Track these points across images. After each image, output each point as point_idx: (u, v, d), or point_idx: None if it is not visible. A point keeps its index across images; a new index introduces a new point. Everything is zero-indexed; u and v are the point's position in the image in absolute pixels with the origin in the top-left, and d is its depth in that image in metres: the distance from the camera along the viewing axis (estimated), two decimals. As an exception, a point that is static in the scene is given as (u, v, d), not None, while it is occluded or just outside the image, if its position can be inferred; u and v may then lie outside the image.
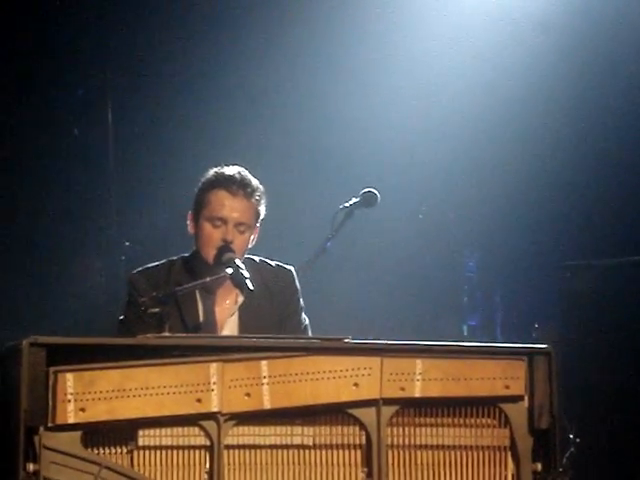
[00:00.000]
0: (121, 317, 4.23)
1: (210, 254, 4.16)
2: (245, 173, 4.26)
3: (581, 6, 6.94)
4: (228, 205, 4.19)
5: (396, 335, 3.73)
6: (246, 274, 4.04)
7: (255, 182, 4.26)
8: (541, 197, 7.11)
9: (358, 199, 5.00)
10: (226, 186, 4.20)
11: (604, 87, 6.94)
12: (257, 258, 4.32)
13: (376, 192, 5.01)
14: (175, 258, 4.31)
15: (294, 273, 4.35)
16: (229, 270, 4.05)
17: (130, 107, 6.87)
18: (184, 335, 3.89)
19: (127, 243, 6.70)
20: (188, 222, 4.27)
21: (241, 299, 4.24)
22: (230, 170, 4.26)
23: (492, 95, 6.98)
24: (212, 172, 4.27)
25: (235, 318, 4.25)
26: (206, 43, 6.96)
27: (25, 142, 6.80)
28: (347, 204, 4.99)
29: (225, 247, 4.14)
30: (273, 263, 4.34)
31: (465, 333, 7.17)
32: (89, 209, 6.85)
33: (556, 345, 3.65)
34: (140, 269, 4.30)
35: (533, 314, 6.94)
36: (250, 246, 4.27)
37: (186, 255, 4.31)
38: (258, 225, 4.28)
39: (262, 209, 4.26)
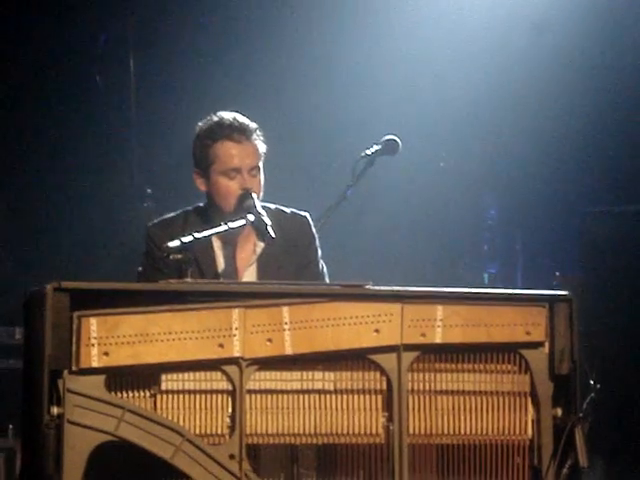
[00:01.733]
0: (139, 268, 4.25)
1: (231, 205, 4.16)
2: (240, 117, 4.25)
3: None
4: (237, 154, 4.19)
5: (417, 282, 3.74)
6: (267, 221, 4.04)
7: (251, 123, 4.25)
8: (562, 144, 7.08)
9: (379, 146, 4.99)
10: (229, 135, 4.19)
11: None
12: (272, 206, 4.30)
13: (397, 139, 4.99)
14: (190, 208, 4.31)
15: (310, 219, 4.35)
16: (251, 217, 4.06)
17: (152, 54, 6.85)
18: (207, 281, 3.91)
19: (149, 190, 6.72)
20: (197, 180, 4.25)
21: (259, 249, 4.24)
22: (226, 118, 4.24)
23: (516, 43, 6.94)
24: (207, 124, 4.25)
25: (254, 268, 4.25)
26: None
27: (47, 90, 6.80)
28: (368, 152, 4.99)
29: (245, 194, 4.14)
30: (288, 210, 4.33)
31: (486, 281, 7.18)
32: (111, 157, 6.86)
33: (577, 292, 3.65)
34: (156, 221, 4.31)
35: (554, 261, 6.93)
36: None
37: (201, 205, 4.31)
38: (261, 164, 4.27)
39: (263, 147, 4.26)
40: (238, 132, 4.20)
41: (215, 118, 4.26)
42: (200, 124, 4.28)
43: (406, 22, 6.98)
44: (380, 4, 6.97)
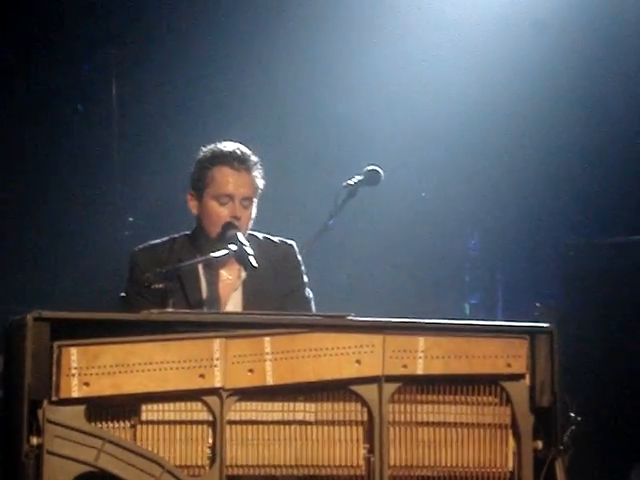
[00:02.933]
0: (122, 294, 4.24)
1: (218, 232, 4.17)
2: (243, 148, 4.29)
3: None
4: (233, 181, 4.21)
5: (398, 313, 3.74)
6: (250, 251, 4.05)
7: (253, 156, 4.29)
8: (544, 175, 7.10)
9: (361, 177, 5.00)
10: (229, 162, 4.22)
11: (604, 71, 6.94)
12: (260, 234, 4.33)
13: (379, 170, 5.00)
14: (177, 235, 4.33)
15: (296, 248, 4.38)
16: (233, 247, 4.07)
17: (135, 82, 6.86)
18: (188, 311, 3.91)
19: (131, 219, 6.71)
20: (190, 202, 4.28)
21: (244, 274, 4.25)
22: (229, 146, 4.28)
23: (494, 80, 6.97)
24: (210, 149, 4.29)
25: (238, 293, 4.27)
26: (211, 17, 6.94)
27: (29, 117, 6.80)
28: (350, 182, 4.99)
29: (229, 224, 4.16)
30: (276, 239, 4.36)
31: (467, 311, 7.18)
32: (93, 185, 6.85)
33: (558, 324, 3.66)
34: (142, 246, 4.31)
35: (535, 293, 6.94)
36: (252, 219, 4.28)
37: (187, 233, 4.32)
38: (256, 199, 4.29)
39: (260, 182, 4.29)
40: (238, 161, 4.23)
41: (219, 145, 4.30)
42: (204, 149, 4.30)
43: (391, 55, 7.01)
44: (365, 33, 6.99)
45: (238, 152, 4.25)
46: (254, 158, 4.28)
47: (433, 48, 6.99)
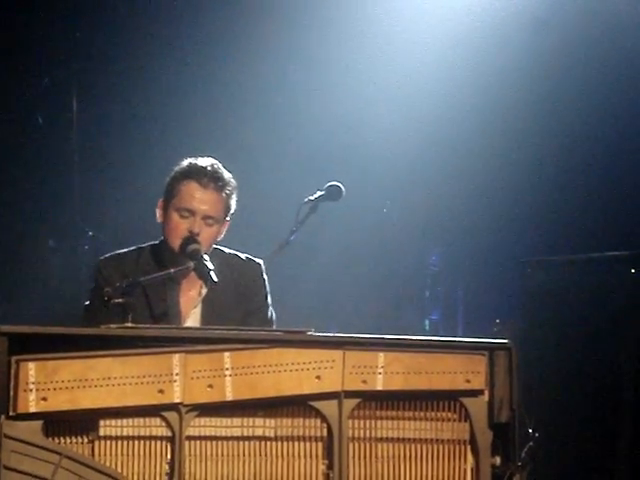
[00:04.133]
0: (87, 302, 4.22)
1: (176, 244, 4.16)
2: (218, 166, 4.26)
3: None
4: (197, 197, 4.19)
5: (359, 328, 3.75)
6: (210, 266, 4.05)
7: (227, 176, 4.25)
8: (502, 194, 7.15)
9: (323, 192, 5.01)
10: (197, 178, 4.20)
11: (571, 87, 6.98)
12: (227, 250, 4.32)
13: (341, 186, 5.02)
14: (144, 246, 4.31)
15: (263, 267, 4.36)
16: (193, 261, 4.06)
17: (95, 95, 6.84)
18: (147, 326, 3.88)
19: (90, 233, 6.68)
20: (157, 210, 4.26)
21: (204, 291, 4.24)
22: (203, 162, 4.25)
23: (458, 91, 7.01)
24: (186, 163, 4.26)
25: (198, 310, 4.25)
26: (175, 31, 6.94)
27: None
28: (312, 197, 5.00)
29: (190, 238, 4.14)
30: (243, 256, 4.34)
31: (427, 327, 7.20)
32: (52, 198, 6.82)
33: (516, 340, 3.67)
34: (109, 255, 4.29)
35: (495, 309, 6.98)
36: (218, 239, 4.27)
37: (155, 243, 4.30)
38: (228, 219, 4.28)
39: (232, 203, 4.27)
40: (208, 178, 4.20)
41: (194, 160, 4.26)
42: (181, 162, 4.27)
43: (360, 65, 7.03)
44: (330, 40, 7.00)
45: (210, 169, 4.21)
46: (228, 178, 4.24)
47: (408, 58, 7.01)
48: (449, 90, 6.99)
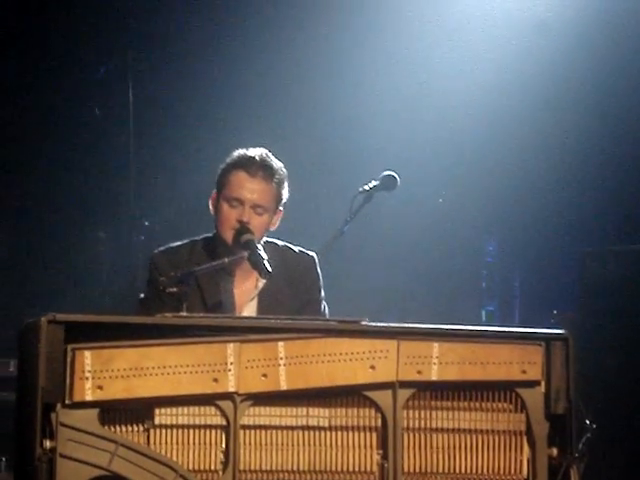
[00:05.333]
0: (141, 295, 4.24)
1: (228, 235, 4.16)
2: (267, 155, 4.25)
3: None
4: (246, 186, 4.18)
5: (414, 318, 3.73)
6: (264, 255, 4.04)
7: (277, 165, 4.24)
8: (561, 182, 7.09)
9: (377, 182, 5.00)
10: (246, 167, 4.19)
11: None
12: (280, 242, 4.31)
13: (396, 175, 5.00)
14: (198, 238, 4.31)
15: (316, 260, 4.34)
16: (247, 251, 4.06)
17: (151, 86, 6.88)
18: (201, 315, 3.90)
19: (146, 223, 6.71)
20: (210, 202, 4.27)
21: (261, 284, 4.23)
22: (253, 152, 4.24)
23: (513, 82, 6.96)
24: (236, 153, 4.26)
25: (254, 303, 4.25)
26: (228, 25, 6.96)
27: (46, 121, 6.82)
28: (366, 187, 4.99)
29: (243, 228, 4.14)
30: (296, 248, 4.33)
31: (483, 318, 7.16)
32: (109, 189, 6.87)
33: (574, 331, 3.63)
34: (162, 248, 4.30)
35: (552, 300, 6.92)
36: (272, 229, 4.26)
37: (209, 235, 4.30)
38: (281, 209, 4.27)
39: (284, 192, 4.25)
40: (256, 167, 4.19)
41: (246, 150, 4.26)
42: (233, 153, 4.29)
43: (410, 58, 7.01)
44: (381, 37, 6.99)
45: (258, 158, 4.21)
46: (277, 167, 4.23)
47: (451, 52, 6.98)
48: (506, 82, 6.95)
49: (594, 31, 6.85)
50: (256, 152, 4.24)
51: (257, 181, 4.19)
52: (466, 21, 6.98)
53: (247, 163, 4.20)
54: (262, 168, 4.19)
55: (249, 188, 4.18)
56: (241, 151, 4.26)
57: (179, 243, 4.30)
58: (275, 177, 4.21)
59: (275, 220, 4.25)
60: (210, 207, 4.27)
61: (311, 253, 4.35)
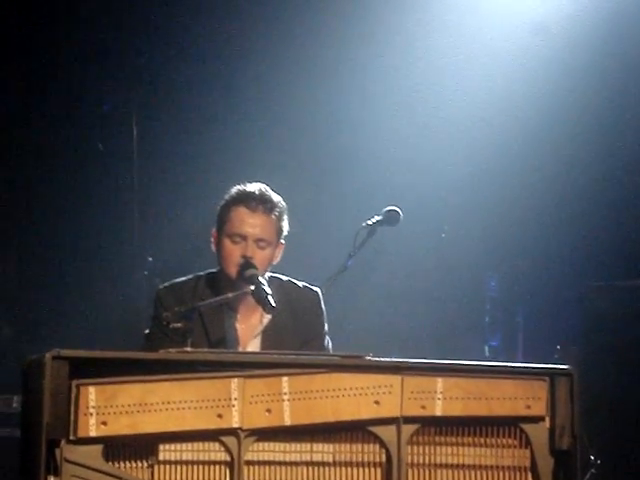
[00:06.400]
0: (147, 331, 4.25)
1: (232, 270, 4.17)
2: (266, 189, 4.27)
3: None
4: (247, 221, 4.21)
5: (417, 354, 3.72)
6: (268, 290, 4.05)
7: (276, 198, 4.27)
8: (564, 217, 7.09)
9: (381, 217, 5.02)
10: (246, 202, 4.22)
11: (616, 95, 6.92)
12: (284, 277, 4.32)
13: (399, 210, 5.01)
14: (202, 274, 4.32)
15: (320, 295, 4.35)
16: (251, 286, 4.07)
17: (155, 122, 6.90)
18: (205, 350, 3.90)
19: (150, 258, 6.72)
20: (212, 239, 4.29)
21: (266, 320, 4.24)
22: (251, 187, 4.27)
23: (519, 112, 6.97)
24: (234, 190, 4.29)
25: (258, 340, 4.25)
26: (230, 60, 6.99)
27: (50, 157, 6.84)
28: (370, 222, 5.01)
29: (247, 263, 4.15)
30: (300, 284, 4.34)
31: (487, 353, 7.14)
32: (112, 224, 6.88)
33: (577, 366, 3.63)
34: (167, 284, 4.32)
35: (555, 335, 6.90)
36: (274, 262, 4.27)
37: (213, 271, 4.32)
38: (282, 242, 4.29)
39: (284, 225, 4.27)
40: (256, 202, 4.22)
41: (244, 185, 4.29)
42: (232, 188, 4.31)
43: (408, 93, 7.03)
44: (381, 69, 7.01)
45: (257, 193, 4.23)
46: (276, 200, 4.25)
47: (453, 83, 7.00)
48: (506, 116, 6.96)
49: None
50: (254, 187, 4.27)
51: (258, 215, 4.21)
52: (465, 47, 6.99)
53: (246, 198, 4.22)
54: (262, 202, 4.22)
55: (250, 223, 4.20)
56: (239, 187, 4.28)
57: (183, 279, 4.32)
58: (275, 210, 4.23)
59: (277, 253, 4.27)
60: (212, 245, 4.28)
61: (315, 288, 4.35)
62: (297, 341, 4.21)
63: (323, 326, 4.32)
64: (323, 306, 4.34)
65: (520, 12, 7.00)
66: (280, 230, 4.26)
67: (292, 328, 4.23)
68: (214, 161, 6.77)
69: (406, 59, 7.01)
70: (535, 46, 6.98)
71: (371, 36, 6.96)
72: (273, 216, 4.23)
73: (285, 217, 4.27)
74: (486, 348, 7.19)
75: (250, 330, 4.26)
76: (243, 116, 6.96)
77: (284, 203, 4.28)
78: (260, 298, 4.04)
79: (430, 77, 7.02)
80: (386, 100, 7.02)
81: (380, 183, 6.85)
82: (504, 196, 7.09)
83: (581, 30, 6.91)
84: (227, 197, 4.28)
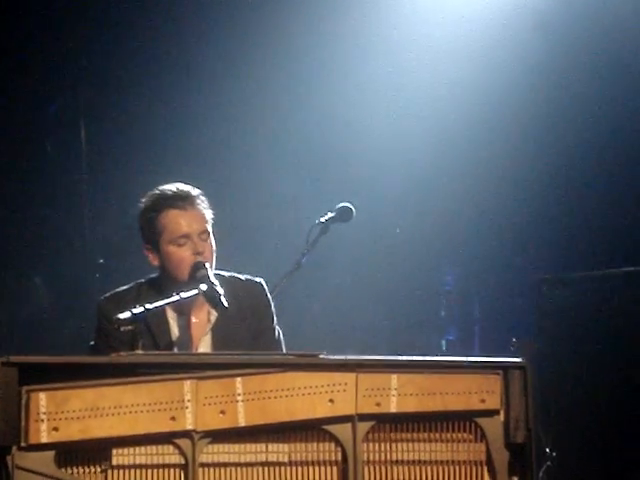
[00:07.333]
0: (91, 343, 4.22)
1: (185, 273, 4.15)
2: (181, 186, 4.27)
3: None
4: (183, 221, 4.19)
5: (373, 350, 3.72)
6: (220, 290, 4.03)
7: (194, 190, 4.27)
8: (517, 211, 7.12)
9: (334, 214, 5.01)
10: (172, 204, 4.20)
11: (583, 93, 6.95)
12: (226, 273, 4.30)
13: (351, 206, 5.01)
14: (143, 280, 4.31)
15: (264, 285, 4.35)
16: (203, 286, 4.04)
17: (103, 123, 6.86)
18: (157, 353, 3.88)
19: (101, 260, 6.68)
20: (148, 256, 4.24)
21: (214, 317, 4.23)
22: (167, 189, 4.26)
23: (469, 111, 6.99)
24: (149, 199, 4.26)
25: (209, 337, 4.23)
26: (178, 59, 6.95)
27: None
28: (323, 219, 4.99)
29: (198, 264, 4.13)
30: (242, 277, 4.34)
31: (444, 348, 7.16)
32: (62, 225, 6.82)
33: (533, 358, 3.64)
34: (108, 295, 4.29)
35: (511, 328, 6.93)
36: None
37: (153, 276, 4.30)
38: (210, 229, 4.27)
39: (209, 212, 4.27)
40: (181, 200, 4.21)
41: (157, 191, 4.28)
42: (143, 199, 4.29)
43: (361, 87, 7.02)
44: (341, 62, 6.99)
45: (178, 191, 4.23)
46: (195, 191, 4.26)
47: (415, 78, 6.99)
48: (462, 110, 6.98)
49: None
50: (171, 188, 4.26)
51: (189, 212, 4.21)
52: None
53: (170, 201, 4.21)
54: (185, 199, 4.22)
55: (188, 221, 4.20)
56: (153, 195, 4.25)
57: (124, 287, 4.30)
58: (198, 201, 4.23)
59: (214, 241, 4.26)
60: (151, 261, 4.24)
61: (258, 279, 4.35)
62: (247, 335, 4.21)
63: (272, 316, 4.33)
64: (269, 297, 4.35)
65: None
66: (209, 218, 4.27)
67: (241, 322, 4.23)
68: (164, 161, 6.73)
69: (367, 51, 6.99)
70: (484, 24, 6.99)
71: (338, 24, 6.95)
72: (200, 207, 4.24)
73: (207, 204, 4.27)
74: (443, 342, 7.21)
75: (200, 328, 4.25)
76: (194, 113, 6.93)
77: (198, 189, 4.27)
78: (212, 298, 4.02)
79: (384, 71, 7.02)
80: (338, 96, 7.01)
81: (333, 180, 6.85)
82: (458, 191, 7.11)
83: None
84: (147, 208, 4.25)
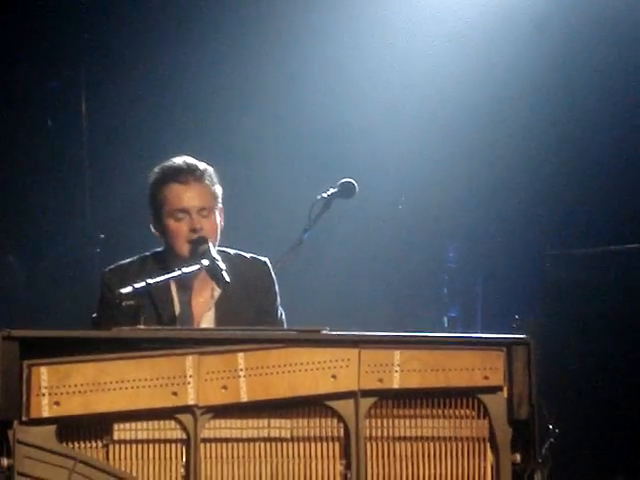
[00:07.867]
0: (94, 315, 4.21)
1: (184, 248, 4.14)
2: (190, 160, 4.25)
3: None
4: (184, 195, 4.18)
5: (376, 326, 3.70)
6: (222, 266, 4.02)
7: (202, 165, 4.25)
8: (521, 187, 7.10)
9: (336, 189, 4.98)
10: (175, 178, 4.19)
11: (585, 85, 6.93)
12: (232, 251, 4.29)
13: (354, 182, 4.98)
14: (147, 254, 4.29)
15: (269, 264, 4.34)
16: (205, 261, 4.03)
17: (104, 99, 6.84)
18: (159, 327, 3.87)
19: (102, 235, 6.67)
20: (151, 227, 4.24)
21: (217, 293, 4.21)
22: (176, 161, 4.25)
23: (474, 87, 6.96)
24: (157, 170, 4.26)
25: (212, 313, 4.23)
26: (181, 35, 6.93)
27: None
28: (325, 194, 4.97)
29: (200, 239, 4.12)
30: (248, 255, 4.32)
31: (446, 324, 7.15)
32: (63, 201, 6.81)
33: (536, 335, 3.62)
34: (112, 267, 4.28)
35: (514, 305, 6.92)
36: (220, 228, 4.23)
37: (158, 250, 4.28)
38: (220, 205, 4.25)
39: (218, 188, 4.25)
40: (185, 174, 4.20)
41: (165, 163, 4.27)
42: (154, 170, 4.26)
43: (368, 62, 7.00)
44: (342, 40, 6.97)
45: (184, 165, 4.22)
46: (203, 167, 4.24)
47: (414, 57, 6.97)
48: (465, 86, 6.95)
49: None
50: (179, 160, 4.25)
51: (191, 186, 4.19)
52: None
53: (175, 173, 4.20)
54: (191, 173, 4.20)
55: (188, 196, 4.18)
56: (162, 166, 4.25)
57: (128, 260, 4.29)
58: (205, 176, 4.22)
59: (220, 218, 4.24)
60: (153, 232, 4.24)
61: (263, 258, 4.34)
62: (251, 313, 4.20)
63: (275, 296, 4.32)
64: (274, 276, 4.33)
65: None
66: (215, 194, 4.25)
67: (245, 300, 4.22)
68: (165, 136, 6.71)
69: (363, 33, 6.97)
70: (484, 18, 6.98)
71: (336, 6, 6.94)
72: (205, 182, 4.22)
73: (216, 180, 4.25)
74: (445, 319, 7.20)
75: (203, 305, 4.24)
76: (194, 92, 6.91)
77: (211, 167, 4.26)
78: (214, 274, 4.01)
79: (385, 52, 7.00)
80: (341, 72, 6.98)
81: (335, 155, 6.82)
82: (461, 166, 7.09)
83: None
84: (153, 179, 4.25)
